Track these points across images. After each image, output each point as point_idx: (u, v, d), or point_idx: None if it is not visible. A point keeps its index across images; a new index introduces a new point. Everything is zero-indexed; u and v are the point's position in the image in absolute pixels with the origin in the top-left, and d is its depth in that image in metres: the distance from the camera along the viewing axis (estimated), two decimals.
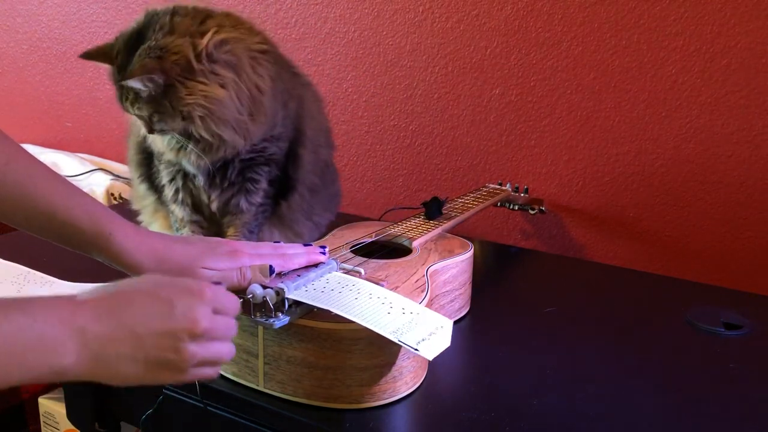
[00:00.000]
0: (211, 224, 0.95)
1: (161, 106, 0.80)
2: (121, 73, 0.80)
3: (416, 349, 0.60)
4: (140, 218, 1.01)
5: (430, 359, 0.62)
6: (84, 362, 0.49)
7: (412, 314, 0.65)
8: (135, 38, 0.81)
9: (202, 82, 0.80)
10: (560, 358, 0.79)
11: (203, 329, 0.54)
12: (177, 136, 0.84)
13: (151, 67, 0.77)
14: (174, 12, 0.83)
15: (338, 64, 1.40)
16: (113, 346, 0.51)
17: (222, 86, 0.81)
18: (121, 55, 0.81)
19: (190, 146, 0.84)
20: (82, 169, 1.63)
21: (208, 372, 0.56)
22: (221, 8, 0.87)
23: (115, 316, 0.51)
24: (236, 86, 0.82)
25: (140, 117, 0.83)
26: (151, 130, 0.83)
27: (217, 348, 0.56)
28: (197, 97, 0.79)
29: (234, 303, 0.59)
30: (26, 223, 0.66)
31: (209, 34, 0.81)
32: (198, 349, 0.54)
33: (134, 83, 0.78)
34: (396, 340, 0.61)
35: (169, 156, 0.88)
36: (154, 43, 0.79)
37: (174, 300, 0.54)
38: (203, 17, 0.83)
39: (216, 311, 0.56)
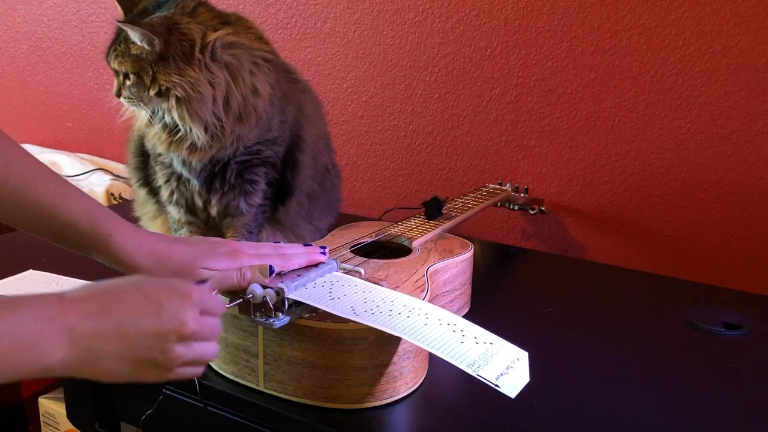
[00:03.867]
0: (207, 227, 0.95)
1: (143, 71, 0.81)
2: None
3: (497, 385, 0.56)
4: (141, 223, 1.01)
5: (513, 397, 0.57)
6: (71, 359, 0.50)
7: (486, 344, 0.61)
8: (157, 7, 0.83)
9: (194, 71, 0.81)
10: (560, 358, 0.79)
11: (191, 331, 0.55)
12: (141, 106, 0.84)
13: (157, 31, 0.79)
14: (201, 3, 0.85)
15: (338, 64, 1.40)
16: (101, 344, 0.51)
17: (210, 84, 0.82)
18: (139, 10, 0.83)
19: (156, 126, 0.86)
20: (82, 169, 1.63)
21: (192, 371, 0.57)
22: (238, 14, 0.89)
23: (104, 314, 0.52)
24: (227, 89, 0.83)
25: (116, 73, 0.84)
26: (118, 93, 0.84)
27: (202, 348, 0.57)
28: (184, 80, 0.81)
29: (219, 304, 0.60)
30: (26, 223, 0.67)
31: (221, 32, 0.83)
32: (184, 350, 0.55)
33: (134, 32, 0.79)
34: (474, 374, 0.57)
35: (160, 149, 0.88)
36: (171, 14, 0.81)
37: (162, 301, 0.54)
38: (224, 19, 0.86)
39: (203, 312, 0.57)
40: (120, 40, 0.83)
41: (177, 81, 0.80)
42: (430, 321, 0.63)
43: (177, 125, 0.84)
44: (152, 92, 0.82)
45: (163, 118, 0.85)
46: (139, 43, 0.80)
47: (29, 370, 0.49)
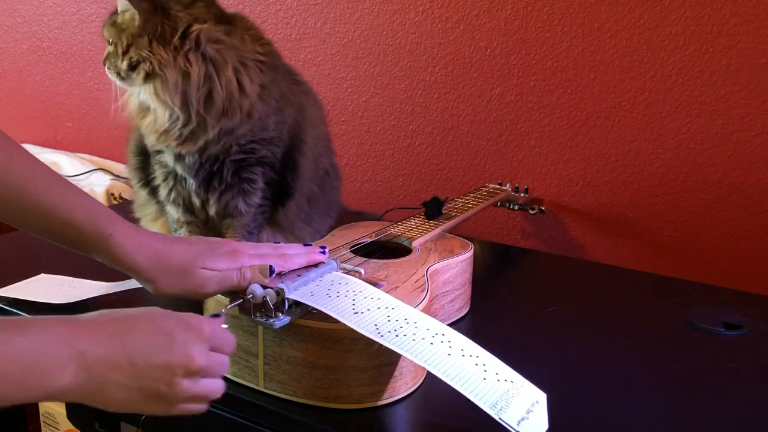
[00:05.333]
0: (206, 227, 0.95)
1: (120, 41, 0.83)
2: None
3: (518, 431, 0.56)
4: (141, 225, 1.01)
5: None
6: (80, 385, 0.50)
7: (507, 382, 0.60)
8: None
9: (165, 52, 0.82)
10: (560, 358, 0.79)
11: (198, 366, 0.54)
12: (121, 79, 0.85)
13: (142, 6, 0.81)
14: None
15: (338, 64, 1.40)
16: (111, 372, 0.51)
17: (183, 71, 0.82)
18: None
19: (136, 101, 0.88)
20: (82, 169, 1.63)
21: (196, 407, 0.57)
22: (241, 14, 0.90)
23: (116, 342, 0.52)
24: (210, 83, 0.84)
25: (106, 42, 0.87)
26: (104, 61, 0.87)
27: (208, 385, 0.56)
28: (154, 57, 0.82)
29: (230, 341, 0.60)
30: (26, 223, 0.67)
31: (208, 25, 0.83)
32: (190, 385, 0.54)
33: (121, 0, 0.82)
34: (497, 418, 0.56)
35: (152, 140, 0.89)
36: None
37: (174, 333, 0.54)
38: (223, 18, 0.86)
39: (212, 348, 0.57)
40: (116, 10, 0.85)
41: (146, 56, 0.82)
42: (453, 350, 0.62)
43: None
44: (124, 63, 0.83)
45: (140, 95, 0.87)
46: (121, 11, 0.82)
47: (36, 393, 0.48)
